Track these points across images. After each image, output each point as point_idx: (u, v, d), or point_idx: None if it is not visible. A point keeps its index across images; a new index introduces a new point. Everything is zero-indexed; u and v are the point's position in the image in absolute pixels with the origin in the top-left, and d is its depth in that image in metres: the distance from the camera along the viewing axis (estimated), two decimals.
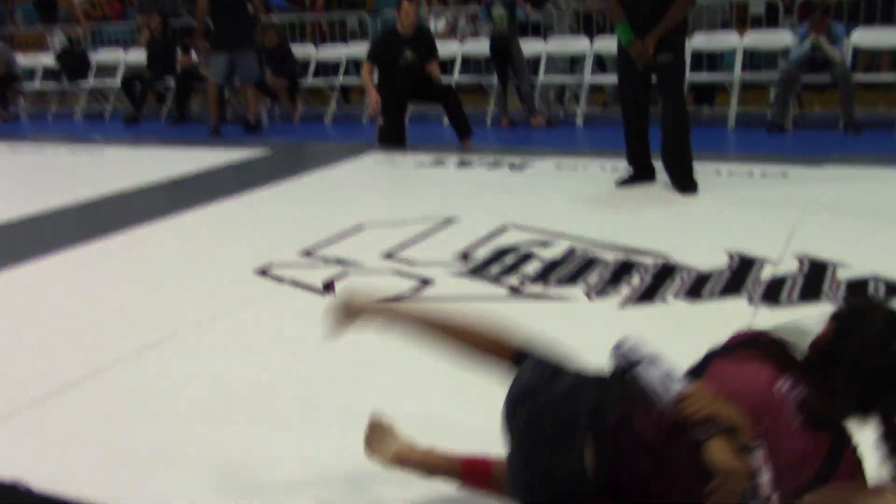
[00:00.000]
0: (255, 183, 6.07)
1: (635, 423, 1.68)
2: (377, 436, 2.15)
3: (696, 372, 1.75)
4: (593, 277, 3.84)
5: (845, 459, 1.61)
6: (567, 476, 1.64)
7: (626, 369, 1.72)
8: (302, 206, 5.41)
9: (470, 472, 1.98)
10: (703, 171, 5.47)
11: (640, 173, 5.52)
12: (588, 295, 3.65)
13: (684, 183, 5.27)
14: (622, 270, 3.92)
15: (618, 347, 1.78)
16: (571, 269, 3.97)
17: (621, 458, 1.66)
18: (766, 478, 1.58)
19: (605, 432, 1.67)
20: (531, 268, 4.00)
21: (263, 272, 4.06)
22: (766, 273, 3.82)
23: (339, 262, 4.18)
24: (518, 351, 1.91)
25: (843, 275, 3.76)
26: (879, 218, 4.63)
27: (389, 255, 4.26)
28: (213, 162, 6.99)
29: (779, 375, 1.68)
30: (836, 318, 1.74)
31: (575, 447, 1.65)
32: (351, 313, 2.12)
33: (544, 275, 3.90)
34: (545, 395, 1.72)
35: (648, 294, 3.63)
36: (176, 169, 6.71)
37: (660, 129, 5.33)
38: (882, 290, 3.57)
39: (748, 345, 1.81)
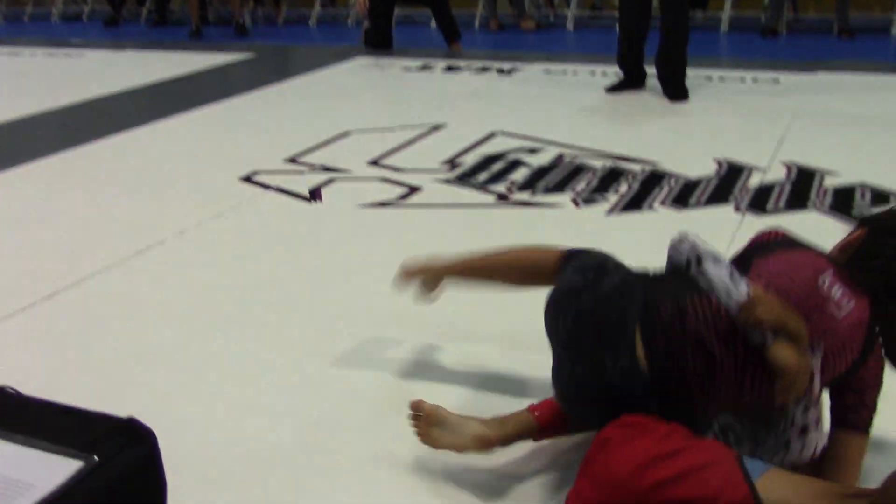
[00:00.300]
0: (239, 88, 5.96)
1: (688, 321, 1.64)
2: (433, 424, 1.89)
3: (739, 270, 1.71)
4: (581, 184, 3.82)
5: (875, 351, 1.69)
6: (619, 374, 1.62)
7: (688, 265, 1.71)
8: (287, 111, 5.33)
9: (545, 422, 1.88)
10: (694, 76, 5.40)
11: (631, 79, 5.41)
12: (575, 202, 3.64)
13: (676, 91, 5.18)
14: (610, 178, 3.91)
15: (678, 243, 1.77)
16: (559, 176, 3.95)
17: (673, 356, 1.63)
18: (818, 377, 1.63)
19: (656, 329, 1.64)
20: (519, 175, 3.98)
21: (249, 179, 4.02)
22: (754, 181, 3.81)
23: (326, 168, 4.14)
24: (562, 257, 1.89)
25: (831, 182, 3.76)
26: (869, 125, 4.60)
27: (376, 162, 4.22)
28: (196, 66, 6.84)
29: (820, 272, 1.71)
30: (866, 222, 1.83)
31: (626, 344, 1.63)
32: (411, 275, 2.23)
33: (532, 182, 3.88)
34: (592, 294, 1.70)
35: (636, 201, 3.62)
36: (157, 73, 6.57)
37: (656, 36, 5.22)
38: (868, 197, 3.57)
39: (783, 244, 1.84)
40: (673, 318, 1.65)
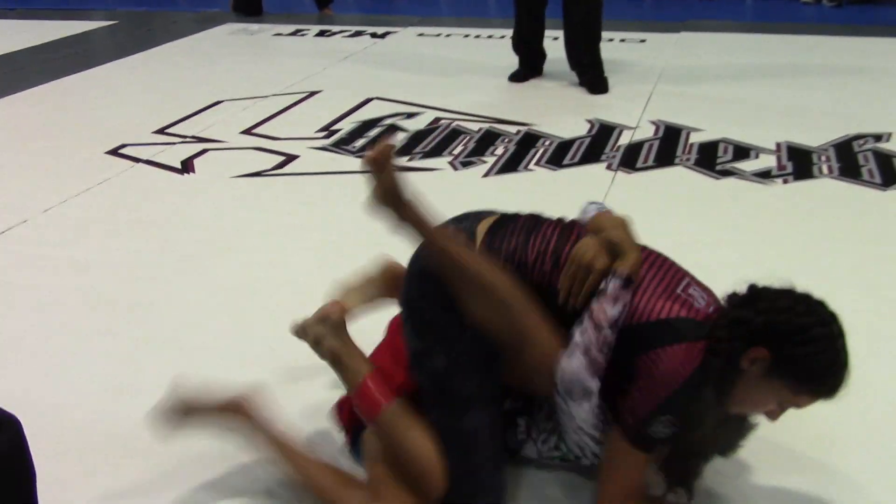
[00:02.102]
0: (101, 57, 5.70)
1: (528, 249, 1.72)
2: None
3: None
4: (458, 148, 3.85)
5: (658, 374, 1.56)
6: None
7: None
8: (153, 81, 5.13)
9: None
10: (560, 35, 5.47)
11: (530, 60, 4.87)
12: (453, 165, 3.66)
13: (595, 82, 4.64)
14: (486, 140, 3.95)
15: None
16: (436, 140, 3.96)
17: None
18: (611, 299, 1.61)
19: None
20: (396, 140, 3.96)
21: (116, 152, 3.87)
22: (625, 139, 3.92)
23: (197, 139, 4.02)
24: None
25: (696, 139, 3.91)
26: (730, 83, 4.79)
27: (249, 131, 4.12)
28: (52, 35, 6.49)
29: (687, 278, 1.74)
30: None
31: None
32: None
33: (409, 147, 3.87)
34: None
35: (512, 163, 3.68)
36: (9, 43, 6.20)
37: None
38: (731, 151, 3.73)
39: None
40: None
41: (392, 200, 1.72)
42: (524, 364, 1.65)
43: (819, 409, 1.62)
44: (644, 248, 1.74)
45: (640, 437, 1.56)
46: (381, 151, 1.69)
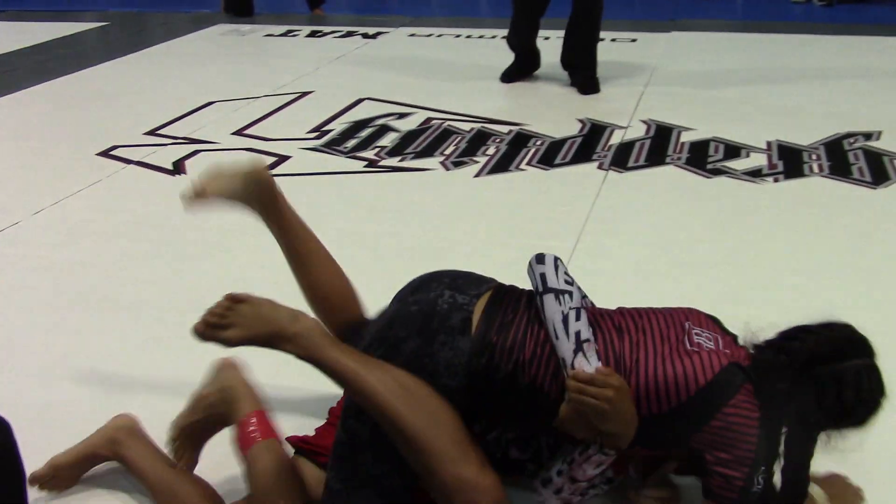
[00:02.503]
0: (92, 58, 5.68)
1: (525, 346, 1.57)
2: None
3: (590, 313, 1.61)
4: (449, 148, 3.85)
5: (721, 416, 1.48)
6: (445, 358, 1.57)
7: (536, 290, 1.61)
8: (145, 82, 5.12)
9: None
10: (554, 37, 5.49)
11: (524, 59, 4.85)
12: (445, 166, 3.67)
13: (587, 82, 4.63)
14: (478, 140, 3.95)
15: (533, 264, 1.65)
16: (428, 140, 3.97)
17: (495, 360, 1.57)
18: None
19: (492, 336, 1.58)
20: (387, 140, 3.97)
21: (107, 154, 3.86)
22: (616, 138, 3.93)
23: (189, 140, 4.02)
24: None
25: (687, 138, 3.92)
26: (720, 82, 4.81)
27: (241, 132, 4.12)
28: (44, 36, 6.47)
29: (693, 317, 1.63)
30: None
31: (461, 333, 1.58)
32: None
33: (401, 147, 3.88)
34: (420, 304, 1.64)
35: (504, 163, 3.68)
36: (0, 45, 6.19)
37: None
38: (721, 150, 3.74)
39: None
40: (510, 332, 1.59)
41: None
42: (439, 486, 1.52)
43: None
44: (638, 316, 1.61)
45: (743, 500, 1.48)
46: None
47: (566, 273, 1.63)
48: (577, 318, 1.54)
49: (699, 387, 1.48)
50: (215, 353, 2.32)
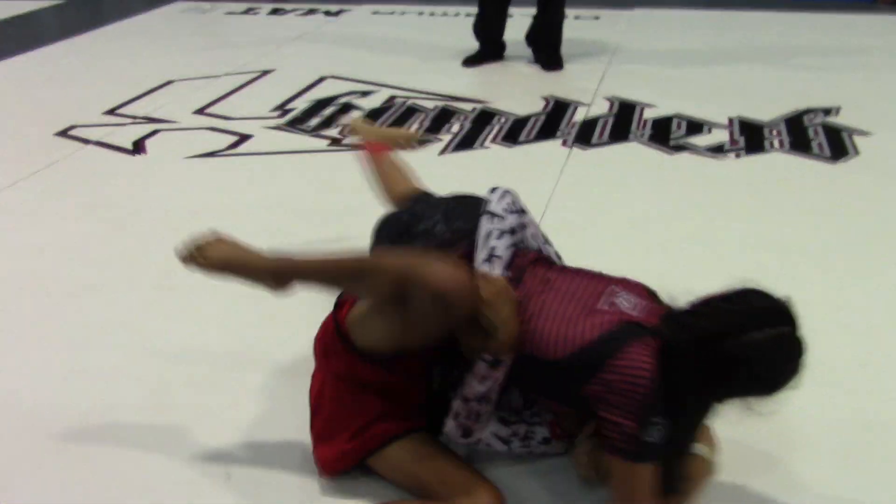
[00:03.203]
0: (48, 37, 5.56)
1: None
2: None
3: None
4: (414, 126, 3.84)
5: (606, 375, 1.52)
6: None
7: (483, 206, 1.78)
8: (103, 61, 5.03)
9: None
10: (516, 14, 5.47)
11: (489, 49, 4.79)
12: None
13: (551, 59, 4.64)
14: (442, 118, 3.94)
15: (493, 190, 1.82)
16: (391, 118, 3.95)
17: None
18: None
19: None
20: (351, 118, 3.94)
21: (65, 134, 3.79)
22: (579, 115, 3.94)
23: (149, 119, 3.96)
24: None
25: (650, 114, 3.94)
26: (683, 59, 4.83)
27: (202, 111, 4.07)
28: None
29: (615, 284, 1.68)
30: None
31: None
32: None
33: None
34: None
35: (468, 140, 3.68)
36: None
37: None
38: (684, 127, 3.77)
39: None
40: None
41: None
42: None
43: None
44: (561, 271, 1.72)
45: (640, 451, 1.50)
46: None
47: (512, 204, 1.78)
48: (499, 238, 1.70)
49: (592, 339, 1.54)
50: (173, 330, 2.30)
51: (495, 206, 1.76)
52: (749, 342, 1.46)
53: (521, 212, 1.79)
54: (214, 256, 1.69)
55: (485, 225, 1.73)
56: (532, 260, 1.74)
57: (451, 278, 1.51)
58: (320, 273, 1.65)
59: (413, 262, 1.54)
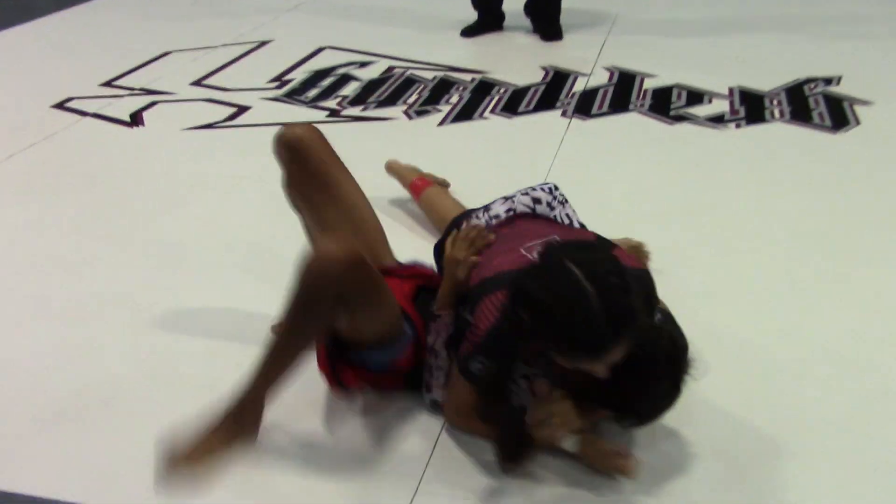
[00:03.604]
0: (41, 9, 5.51)
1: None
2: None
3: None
4: (412, 97, 3.81)
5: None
6: None
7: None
8: (98, 32, 4.99)
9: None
10: None
11: (488, 20, 4.74)
12: (408, 115, 3.63)
13: (550, 30, 4.61)
14: (441, 89, 3.92)
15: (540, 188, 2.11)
16: (390, 89, 3.92)
17: None
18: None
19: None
20: (349, 89, 3.92)
21: (62, 106, 3.77)
22: (579, 86, 3.92)
23: (146, 91, 3.94)
24: None
25: (650, 84, 3.92)
26: (683, 30, 4.79)
27: (200, 82, 4.04)
28: None
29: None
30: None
31: None
32: None
33: (363, 96, 3.83)
34: None
35: (467, 111, 3.66)
36: None
37: None
38: (684, 97, 3.75)
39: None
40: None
41: None
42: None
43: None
44: (538, 221, 1.97)
45: (463, 369, 1.73)
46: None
47: (532, 189, 2.11)
48: (501, 204, 2.06)
49: (489, 275, 1.76)
50: (173, 303, 2.30)
51: (516, 191, 2.08)
52: (538, 295, 1.52)
53: (535, 192, 2.08)
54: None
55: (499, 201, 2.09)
56: (525, 217, 1.97)
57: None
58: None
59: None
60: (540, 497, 1.67)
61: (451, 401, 1.82)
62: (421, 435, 1.83)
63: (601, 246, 1.73)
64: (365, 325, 1.77)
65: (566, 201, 2.12)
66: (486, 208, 2.09)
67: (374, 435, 1.84)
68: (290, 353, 1.70)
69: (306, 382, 1.92)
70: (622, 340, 1.49)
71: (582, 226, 2.11)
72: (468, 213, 2.15)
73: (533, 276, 1.56)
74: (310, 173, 2.00)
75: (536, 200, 2.08)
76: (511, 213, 2.05)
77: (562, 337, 1.50)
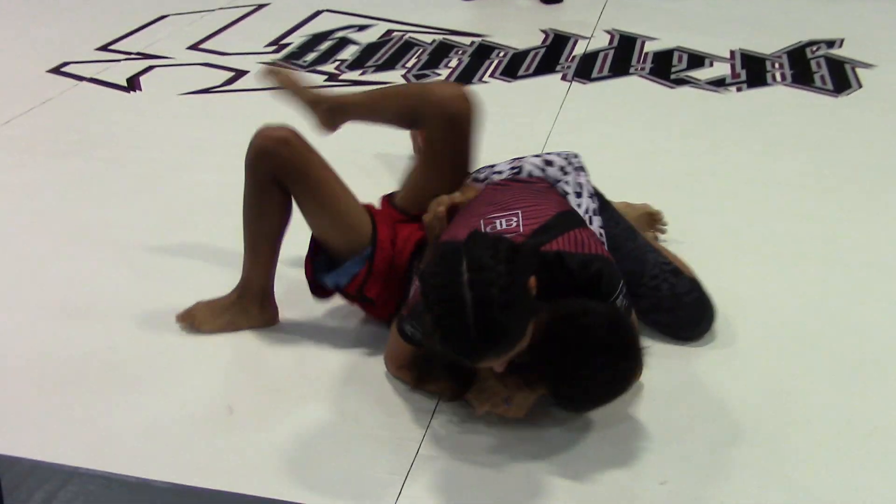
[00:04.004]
0: None
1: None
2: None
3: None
4: (412, 61, 3.78)
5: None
6: None
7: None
8: None
9: None
10: None
11: None
12: (407, 79, 3.61)
13: None
14: (440, 52, 3.88)
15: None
16: (389, 53, 3.89)
17: None
18: None
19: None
20: (348, 53, 3.89)
21: (58, 71, 3.74)
22: (579, 49, 3.89)
23: (142, 55, 3.90)
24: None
25: (651, 48, 3.89)
26: None
27: (197, 46, 4.01)
28: None
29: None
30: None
31: None
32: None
33: (361, 60, 3.80)
34: None
35: (467, 75, 3.63)
36: None
37: None
38: (685, 60, 3.72)
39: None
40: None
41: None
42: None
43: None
44: (525, 187, 1.96)
45: (399, 328, 1.79)
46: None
47: (552, 154, 2.10)
48: (508, 164, 2.07)
49: (445, 238, 1.81)
50: (174, 266, 2.30)
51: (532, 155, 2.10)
52: (425, 289, 1.54)
53: (549, 155, 2.08)
54: (285, 82, 2.31)
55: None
56: (522, 181, 1.97)
57: (451, 91, 1.99)
58: (366, 106, 2.17)
59: (422, 83, 2.00)
60: (545, 447, 1.68)
61: (389, 350, 1.88)
62: (419, 402, 1.83)
63: (526, 246, 1.60)
64: (314, 217, 1.93)
65: (583, 169, 2.07)
66: (491, 166, 2.08)
67: (374, 400, 1.85)
68: (260, 232, 1.99)
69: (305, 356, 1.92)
70: (493, 354, 1.50)
71: (598, 195, 2.04)
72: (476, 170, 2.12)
73: (431, 266, 1.55)
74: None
75: (548, 163, 2.05)
76: (516, 171, 2.03)
77: (438, 334, 1.50)
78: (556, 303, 1.59)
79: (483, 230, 1.73)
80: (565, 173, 2.04)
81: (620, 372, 1.61)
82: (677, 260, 2.04)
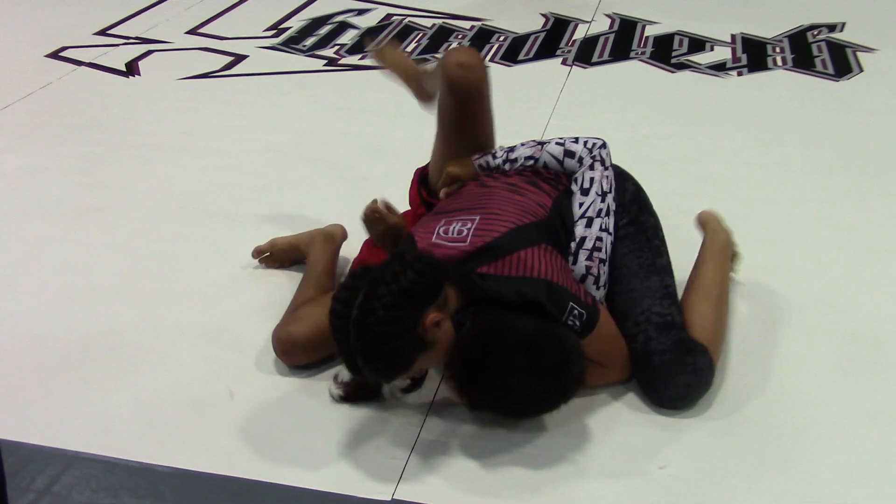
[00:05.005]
0: None
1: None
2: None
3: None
4: (411, 45, 3.77)
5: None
6: None
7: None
8: None
9: None
10: None
11: None
12: None
13: None
14: (440, 36, 3.87)
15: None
16: (389, 37, 3.88)
17: None
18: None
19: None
20: (347, 38, 3.87)
21: (56, 55, 3.73)
22: (580, 33, 3.87)
23: (141, 40, 3.89)
24: None
25: (651, 31, 3.87)
26: None
27: (195, 31, 3.99)
28: None
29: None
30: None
31: None
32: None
33: (361, 44, 3.79)
34: None
35: None
36: None
37: None
38: (686, 44, 3.71)
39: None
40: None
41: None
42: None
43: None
44: (513, 185, 1.87)
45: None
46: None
47: (579, 142, 1.94)
48: (529, 149, 1.94)
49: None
50: (172, 251, 2.30)
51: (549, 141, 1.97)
52: (334, 305, 1.56)
53: (574, 144, 1.93)
54: (388, 58, 2.31)
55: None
56: (527, 175, 1.90)
57: (455, 58, 1.90)
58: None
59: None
60: (545, 431, 1.69)
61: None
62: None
63: (426, 276, 1.56)
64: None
65: (602, 163, 1.90)
66: (511, 149, 1.95)
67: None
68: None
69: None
70: (380, 378, 1.61)
71: (638, 201, 1.95)
72: (487, 153, 1.98)
73: (341, 285, 1.58)
74: None
75: (569, 154, 1.90)
76: (532, 161, 1.91)
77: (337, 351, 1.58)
78: (487, 314, 1.61)
79: (438, 231, 1.73)
80: (581, 164, 1.89)
81: (524, 391, 1.55)
82: (705, 327, 1.79)
